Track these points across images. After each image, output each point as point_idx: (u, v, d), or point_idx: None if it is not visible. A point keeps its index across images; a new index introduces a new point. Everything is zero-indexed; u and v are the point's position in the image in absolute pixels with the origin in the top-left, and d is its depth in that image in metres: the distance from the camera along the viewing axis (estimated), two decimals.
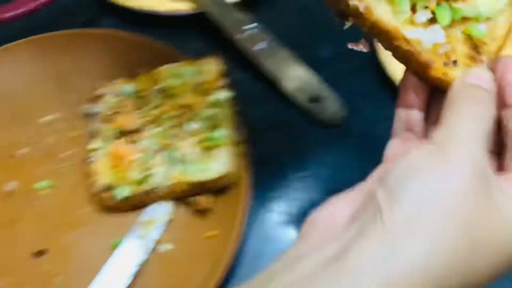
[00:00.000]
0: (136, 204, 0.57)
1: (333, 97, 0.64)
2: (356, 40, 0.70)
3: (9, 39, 0.68)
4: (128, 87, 0.62)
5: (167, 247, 0.56)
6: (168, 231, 0.57)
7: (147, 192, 0.57)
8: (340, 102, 0.64)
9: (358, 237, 0.28)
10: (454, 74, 0.34)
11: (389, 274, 0.27)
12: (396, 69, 0.64)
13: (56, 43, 0.67)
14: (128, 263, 0.54)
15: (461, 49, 0.35)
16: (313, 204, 0.59)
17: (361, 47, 0.42)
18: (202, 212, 0.57)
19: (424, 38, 0.35)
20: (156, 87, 0.62)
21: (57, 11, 0.73)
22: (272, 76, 0.66)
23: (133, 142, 0.59)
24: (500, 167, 0.33)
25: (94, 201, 0.58)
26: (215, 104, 0.59)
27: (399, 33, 0.34)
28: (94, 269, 0.53)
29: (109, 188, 0.57)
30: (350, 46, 0.45)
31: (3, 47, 0.67)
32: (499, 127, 0.33)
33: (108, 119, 0.61)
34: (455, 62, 0.35)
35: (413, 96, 0.36)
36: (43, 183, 0.60)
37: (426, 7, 0.35)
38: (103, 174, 0.58)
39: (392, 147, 0.38)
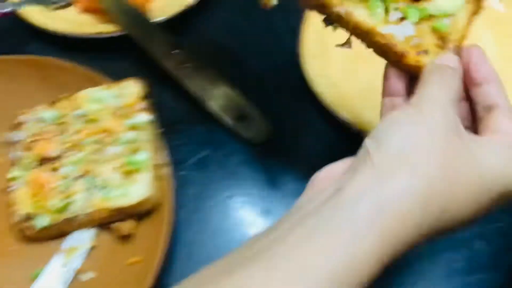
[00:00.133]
0: (57, 232, 0.56)
1: (258, 115, 0.64)
2: (282, 59, 0.71)
3: None
4: (49, 113, 0.61)
5: (89, 275, 0.55)
6: (90, 259, 0.56)
7: (68, 220, 0.56)
8: (265, 119, 0.64)
9: (352, 176, 0.34)
10: (426, 61, 0.40)
11: (381, 201, 0.32)
12: (322, 87, 0.64)
13: None
14: None
15: (430, 40, 0.41)
16: (241, 223, 0.60)
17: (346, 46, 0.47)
18: (125, 238, 0.56)
19: (397, 33, 0.41)
20: (76, 112, 0.61)
21: None
22: (197, 96, 0.66)
23: (54, 169, 0.58)
24: None
25: (14, 231, 0.57)
26: (135, 127, 0.59)
27: (376, 31, 0.41)
28: None
29: (29, 217, 0.56)
30: (336, 46, 0.48)
31: None
32: (472, 108, 0.40)
33: (28, 146, 0.60)
34: (425, 51, 0.40)
35: (395, 85, 0.42)
36: None
37: (397, 9, 0.42)
38: (23, 203, 0.57)
39: None
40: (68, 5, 0.75)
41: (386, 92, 0.43)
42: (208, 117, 0.65)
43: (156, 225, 0.55)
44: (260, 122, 0.64)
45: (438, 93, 0.37)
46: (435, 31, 0.41)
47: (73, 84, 0.64)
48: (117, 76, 0.64)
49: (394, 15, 0.42)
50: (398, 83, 0.42)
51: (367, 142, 0.36)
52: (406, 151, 0.34)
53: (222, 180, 0.62)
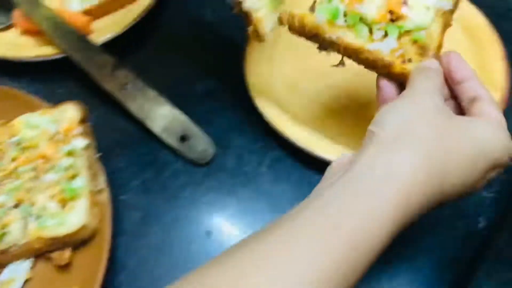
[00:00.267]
0: None
1: (202, 134, 0.63)
2: (226, 76, 0.70)
3: None
4: None
5: None
6: None
7: (3, 251, 0.54)
8: (209, 139, 0.63)
9: (360, 154, 0.39)
10: (411, 68, 0.46)
11: (389, 167, 0.37)
12: (266, 104, 0.64)
13: None
14: None
15: (412, 50, 0.48)
16: (187, 247, 0.58)
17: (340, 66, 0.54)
18: (62, 268, 0.55)
19: (383, 48, 0.48)
20: (13, 139, 0.59)
21: None
22: (140, 117, 0.64)
23: None
24: None
25: None
26: (72, 153, 0.57)
27: (364, 48, 0.48)
28: None
29: None
30: (331, 66, 0.54)
31: None
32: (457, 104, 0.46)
33: None
34: (409, 59, 0.47)
35: (387, 91, 0.48)
36: None
37: (379, 28, 0.49)
38: None
39: None
40: (8, 27, 0.74)
41: (380, 99, 0.48)
42: (151, 138, 0.64)
43: (94, 254, 0.54)
44: (204, 142, 0.63)
45: (426, 85, 0.43)
46: (415, 42, 0.48)
47: (10, 110, 0.62)
48: (57, 99, 0.63)
49: (378, 34, 0.49)
50: (390, 90, 0.48)
51: (371, 127, 0.41)
52: (405, 128, 0.39)
53: (166, 203, 0.61)
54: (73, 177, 0.56)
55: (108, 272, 0.54)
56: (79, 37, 0.69)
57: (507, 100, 0.64)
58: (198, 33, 0.75)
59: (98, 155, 0.60)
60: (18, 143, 0.59)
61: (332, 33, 0.49)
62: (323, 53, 0.53)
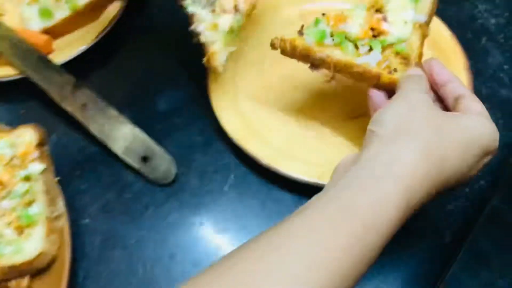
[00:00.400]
0: None
1: (164, 154, 0.62)
2: (188, 94, 0.69)
3: None
4: None
5: None
6: None
7: None
8: (171, 158, 0.62)
9: (363, 151, 0.43)
10: (397, 76, 0.52)
11: (391, 157, 0.41)
12: (229, 121, 0.63)
13: None
14: None
15: (396, 61, 0.53)
16: (151, 269, 0.57)
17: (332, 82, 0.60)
18: None
19: (370, 61, 0.53)
20: None
21: None
22: (101, 138, 0.63)
23: None
24: None
25: None
26: (29, 178, 0.56)
27: (353, 63, 0.53)
28: None
29: None
30: (325, 81, 0.63)
31: None
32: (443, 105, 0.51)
33: None
34: (395, 69, 0.53)
35: (378, 100, 0.52)
36: None
37: (363, 44, 0.54)
38: None
39: None
40: None
41: (372, 107, 0.53)
42: (112, 159, 0.63)
43: (53, 281, 0.53)
44: (166, 161, 0.62)
45: (414, 87, 0.48)
46: (397, 54, 0.54)
47: None
48: (16, 121, 0.62)
49: (363, 49, 0.54)
50: (380, 97, 0.52)
51: (369, 127, 0.45)
52: (403, 123, 0.43)
53: (128, 225, 0.60)
54: (30, 203, 0.55)
55: None
56: (39, 57, 0.67)
57: None
58: (160, 50, 0.74)
59: (56, 179, 0.58)
60: None
61: (321, 53, 0.54)
62: (287, 70, 0.62)
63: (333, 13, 0.56)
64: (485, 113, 0.47)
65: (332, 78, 0.58)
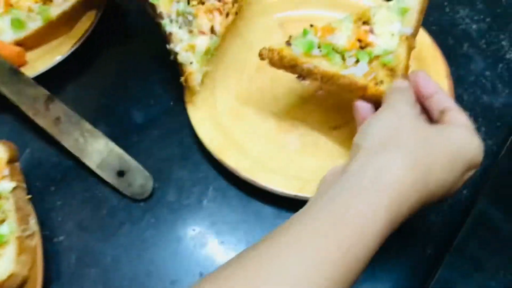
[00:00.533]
0: None
1: (140, 168, 0.60)
2: (165, 105, 0.68)
3: None
4: None
5: None
6: None
7: None
8: (148, 172, 0.60)
9: (349, 163, 0.43)
10: (383, 89, 0.52)
11: (377, 168, 0.41)
12: (207, 133, 0.62)
13: None
14: None
15: (382, 73, 0.53)
16: (128, 287, 0.56)
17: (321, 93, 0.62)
18: None
19: (356, 72, 0.54)
20: None
21: None
22: (75, 153, 0.62)
23: None
24: None
25: None
26: None
27: (340, 74, 0.54)
28: None
29: None
30: (316, 93, 0.63)
31: None
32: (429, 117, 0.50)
33: None
34: (381, 81, 0.53)
35: (365, 112, 0.52)
36: None
37: (351, 56, 0.54)
38: None
39: None
40: None
41: (358, 118, 0.53)
42: (87, 174, 0.62)
43: None
44: (142, 176, 0.60)
45: (400, 99, 0.48)
46: (384, 65, 0.54)
47: None
48: None
49: (350, 60, 0.54)
50: (366, 109, 0.53)
51: (356, 139, 0.45)
52: (389, 134, 0.43)
53: (104, 243, 0.58)
54: (0, 222, 0.53)
55: None
56: (10, 69, 0.66)
57: None
58: (135, 61, 0.73)
59: (28, 196, 0.56)
60: None
61: (309, 63, 0.54)
62: (267, 81, 0.64)
63: (321, 25, 0.57)
64: (471, 126, 0.47)
65: (320, 88, 0.59)
